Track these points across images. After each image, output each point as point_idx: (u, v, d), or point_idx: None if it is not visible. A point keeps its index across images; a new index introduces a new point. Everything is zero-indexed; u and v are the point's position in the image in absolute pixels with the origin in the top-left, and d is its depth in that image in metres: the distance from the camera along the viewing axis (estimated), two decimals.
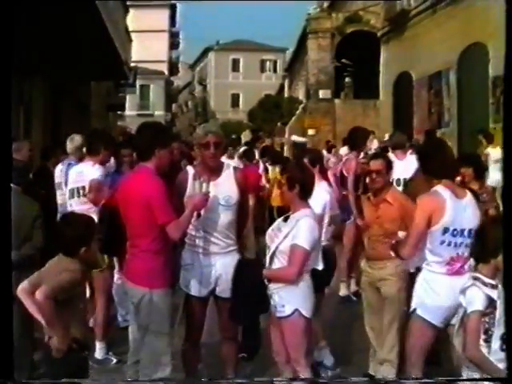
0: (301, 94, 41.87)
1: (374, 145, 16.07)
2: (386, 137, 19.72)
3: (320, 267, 5.49)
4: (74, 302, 4.57)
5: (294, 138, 22.87)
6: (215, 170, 5.69)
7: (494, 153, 14.90)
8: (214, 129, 5.84)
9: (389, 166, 6.59)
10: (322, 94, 33.21)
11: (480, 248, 4.41)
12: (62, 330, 4.51)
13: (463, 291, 4.33)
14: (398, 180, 9.10)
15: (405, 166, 9.16)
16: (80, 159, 9.16)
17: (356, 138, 9.80)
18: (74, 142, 9.30)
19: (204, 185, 5.31)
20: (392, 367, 6.33)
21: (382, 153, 9.03)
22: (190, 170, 5.78)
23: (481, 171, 7.80)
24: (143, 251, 5.22)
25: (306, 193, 5.48)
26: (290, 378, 5.50)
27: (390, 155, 9.69)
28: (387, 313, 6.37)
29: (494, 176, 13.46)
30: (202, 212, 5.49)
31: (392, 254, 5.88)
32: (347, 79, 34.94)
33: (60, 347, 4.49)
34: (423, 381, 5.89)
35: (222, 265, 5.66)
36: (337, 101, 33.11)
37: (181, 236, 5.31)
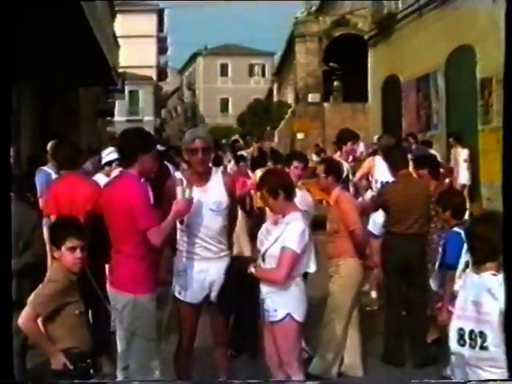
0: (290, 98, 41.89)
1: (360, 148, 16.09)
2: (375, 139, 19.79)
3: (312, 270, 5.49)
4: (67, 311, 4.53)
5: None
6: (204, 176, 5.68)
7: (463, 154, 16.52)
8: (201, 134, 5.82)
9: (329, 170, 6.85)
10: (310, 97, 33.20)
11: (490, 248, 4.38)
12: (52, 346, 4.49)
13: (490, 290, 4.27)
14: (388, 182, 9.10)
15: None
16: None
17: (342, 140, 9.83)
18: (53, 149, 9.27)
19: (187, 190, 5.29)
20: (323, 364, 6.68)
21: (326, 157, 9.31)
22: (179, 175, 5.77)
23: (436, 172, 8.15)
24: (126, 257, 5.21)
25: (290, 195, 5.51)
26: (283, 380, 5.49)
27: (377, 158, 9.77)
28: (326, 309, 6.79)
29: (464, 175, 16.18)
30: (186, 218, 5.50)
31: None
32: (336, 83, 34.94)
33: (55, 362, 4.47)
34: (423, 381, 5.94)
35: (215, 270, 5.64)
36: (326, 104, 33.08)
37: (163, 242, 5.25)
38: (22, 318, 4.39)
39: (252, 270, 5.37)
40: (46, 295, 4.46)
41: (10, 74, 4.11)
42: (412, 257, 7.18)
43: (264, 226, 5.65)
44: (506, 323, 4.11)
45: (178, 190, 5.31)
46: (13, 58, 4.09)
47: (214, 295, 5.67)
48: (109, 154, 8.80)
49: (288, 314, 5.29)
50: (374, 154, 13.56)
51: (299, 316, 5.34)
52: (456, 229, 6.19)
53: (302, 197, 6.98)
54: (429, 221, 7.40)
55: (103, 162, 8.76)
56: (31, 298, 4.49)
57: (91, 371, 4.61)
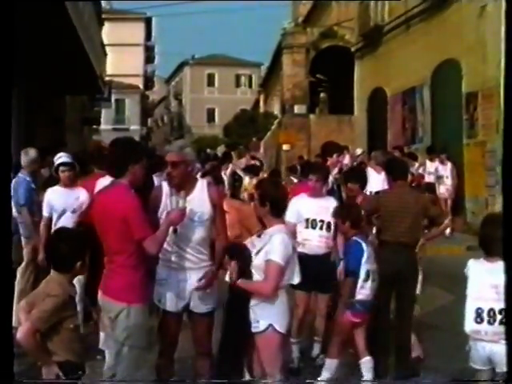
0: (276, 109, 41.94)
1: (346, 160, 16.19)
2: (358, 151, 19.87)
3: (296, 282, 5.50)
4: (63, 325, 4.53)
5: None
6: (187, 187, 5.70)
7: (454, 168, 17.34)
8: (172, 148, 5.92)
9: (220, 180, 6.85)
10: (296, 109, 33.20)
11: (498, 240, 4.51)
12: (48, 358, 4.50)
13: None
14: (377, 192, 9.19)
15: (383, 179, 9.32)
16: (33, 173, 9.11)
17: (327, 152, 9.89)
18: (28, 155, 9.24)
19: (180, 200, 5.38)
20: None
21: (210, 170, 9.28)
22: (164, 185, 5.80)
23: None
24: (120, 266, 5.23)
25: (277, 210, 5.52)
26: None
27: (370, 170, 9.85)
28: None
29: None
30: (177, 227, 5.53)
31: None
32: (322, 94, 35.00)
33: (47, 373, 4.46)
34: (422, 382, 6.00)
35: (195, 280, 5.67)
36: (311, 116, 33.09)
37: (158, 251, 5.33)
38: (22, 333, 4.36)
39: (239, 281, 5.38)
40: (47, 310, 4.46)
41: (11, 76, 4.12)
42: (403, 267, 7.09)
43: (249, 239, 5.67)
44: (506, 323, 4.35)
45: (172, 199, 5.47)
46: (13, 60, 4.11)
47: (193, 305, 5.72)
48: (59, 158, 8.68)
49: (270, 326, 5.30)
50: (361, 165, 13.62)
51: (281, 327, 5.34)
52: (356, 238, 6.47)
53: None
54: (420, 231, 7.45)
55: (55, 164, 8.59)
56: (31, 312, 4.46)
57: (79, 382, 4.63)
